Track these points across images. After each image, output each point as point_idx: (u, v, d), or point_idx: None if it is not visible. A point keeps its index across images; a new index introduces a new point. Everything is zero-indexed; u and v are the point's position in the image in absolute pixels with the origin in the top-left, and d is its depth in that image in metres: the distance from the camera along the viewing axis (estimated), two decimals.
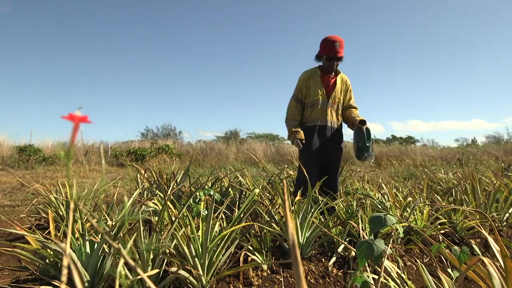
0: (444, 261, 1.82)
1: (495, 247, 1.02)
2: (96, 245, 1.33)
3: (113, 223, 1.42)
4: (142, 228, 1.30)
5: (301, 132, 2.76)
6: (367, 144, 2.69)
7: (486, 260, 0.70)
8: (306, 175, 2.34)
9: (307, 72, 2.91)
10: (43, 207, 2.62)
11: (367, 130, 2.73)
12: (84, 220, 1.52)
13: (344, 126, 3.02)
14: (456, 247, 0.99)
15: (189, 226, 1.43)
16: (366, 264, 1.46)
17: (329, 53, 2.73)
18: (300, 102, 2.86)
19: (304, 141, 2.74)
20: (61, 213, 2.19)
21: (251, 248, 1.68)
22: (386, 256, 0.91)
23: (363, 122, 2.72)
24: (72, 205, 0.34)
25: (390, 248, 1.26)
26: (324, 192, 2.57)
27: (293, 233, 0.28)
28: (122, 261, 0.31)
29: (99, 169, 8.44)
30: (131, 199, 1.59)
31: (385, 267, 1.09)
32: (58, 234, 1.55)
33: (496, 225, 2.42)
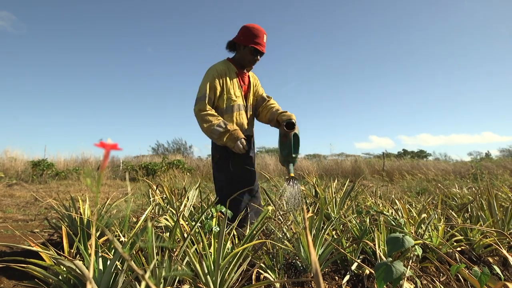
0: (462, 280, 1.76)
1: None
2: (109, 262, 1.33)
3: (126, 239, 1.42)
4: (154, 245, 1.30)
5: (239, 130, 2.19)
6: (294, 155, 2.13)
7: (510, 285, 0.68)
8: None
9: (220, 65, 2.29)
10: (56, 221, 2.65)
11: (296, 137, 2.13)
12: (96, 236, 1.53)
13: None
14: (476, 268, 0.97)
15: (201, 243, 1.42)
16: None
17: (257, 44, 2.20)
18: (212, 105, 2.24)
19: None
20: (74, 228, 2.21)
21: (263, 266, 1.66)
22: (405, 278, 0.89)
23: (290, 125, 2.14)
24: (93, 231, 0.35)
25: (408, 269, 1.23)
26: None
27: (316, 261, 0.28)
28: (144, 285, 0.31)
29: (111, 184, 8.52)
30: (144, 216, 1.60)
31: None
32: (72, 251, 1.56)
33: None
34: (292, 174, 2.08)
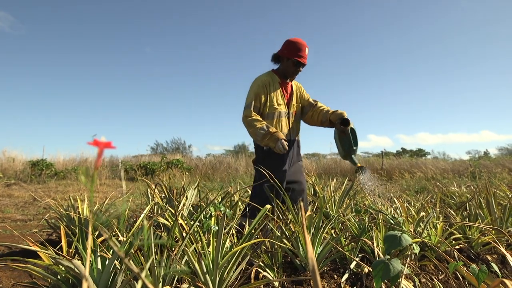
0: (461, 278, 1.77)
1: None
2: (107, 261, 1.33)
3: (125, 239, 1.42)
4: (153, 244, 1.30)
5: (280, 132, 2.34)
6: (354, 148, 2.37)
7: (508, 282, 0.68)
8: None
9: (264, 76, 2.52)
10: (54, 221, 2.65)
11: (352, 130, 2.38)
12: (95, 235, 1.53)
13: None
14: (474, 265, 0.97)
15: (200, 242, 1.42)
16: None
17: (299, 57, 2.41)
18: (258, 112, 2.44)
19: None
20: (73, 227, 2.21)
21: (262, 264, 1.66)
22: (403, 276, 0.89)
23: (346, 122, 2.35)
24: (90, 228, 0.35)
25: (406, 267, 1.23)
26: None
27: (312, 257, 0.28)
28: (140, 283, 0.31)
29: (109, 183, 8.51)
30: (143, 215, 1.60)
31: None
32: (70, 250, 1.56)
33: None
34: (359, 164, 2.37)
